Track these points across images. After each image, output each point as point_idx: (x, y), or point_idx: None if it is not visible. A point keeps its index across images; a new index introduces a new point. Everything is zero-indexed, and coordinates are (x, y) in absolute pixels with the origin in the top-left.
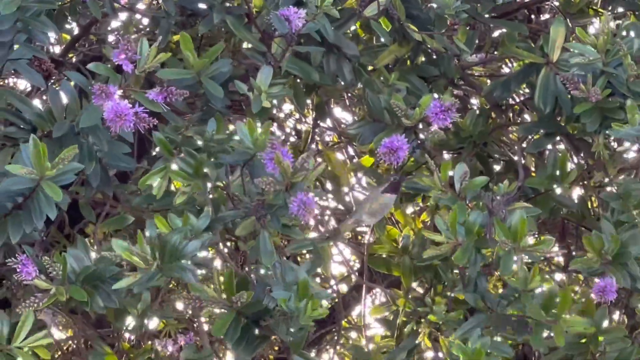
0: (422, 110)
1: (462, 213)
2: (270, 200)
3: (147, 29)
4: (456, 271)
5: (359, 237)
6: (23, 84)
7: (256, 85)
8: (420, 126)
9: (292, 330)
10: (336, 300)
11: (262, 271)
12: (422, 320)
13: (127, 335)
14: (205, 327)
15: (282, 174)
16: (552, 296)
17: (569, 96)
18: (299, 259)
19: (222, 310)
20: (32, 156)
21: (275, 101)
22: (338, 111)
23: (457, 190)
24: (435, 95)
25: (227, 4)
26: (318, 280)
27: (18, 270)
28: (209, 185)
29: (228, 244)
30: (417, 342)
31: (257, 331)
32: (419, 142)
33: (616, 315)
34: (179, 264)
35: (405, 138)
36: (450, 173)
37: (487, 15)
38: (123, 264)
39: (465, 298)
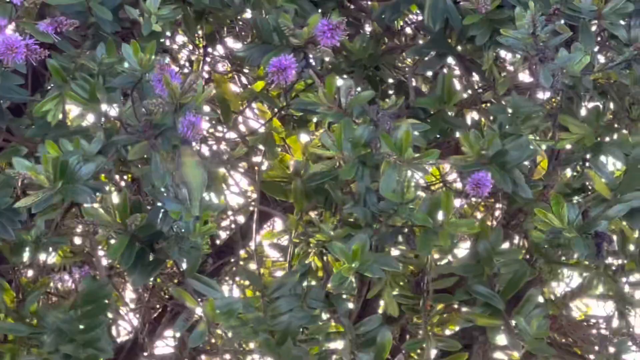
0: (310, 30)
1: (348, 128)
2: (158, 120)
3: None
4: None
5: (255, 168)
6: None
7: (146, 8)
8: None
9: (185, 251)
10: (234, 231)
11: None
12: (312, 240)
13: (24, 270)
14: (103, 262)
15: (170, 95)
16: (436, 202)
17: (459, 14)
18: None
19: (117, 234)
20: None
21: (168, 33)
22: (230, 42)
23: (343, 105)
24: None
25: None
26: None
27: None
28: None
29: (125, 177)
30: (307, 262)
31: (151, 256)
32: (308, 62)
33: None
34: (77, 185)
35: (294, 58)
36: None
37: None
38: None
39: (356, 213)
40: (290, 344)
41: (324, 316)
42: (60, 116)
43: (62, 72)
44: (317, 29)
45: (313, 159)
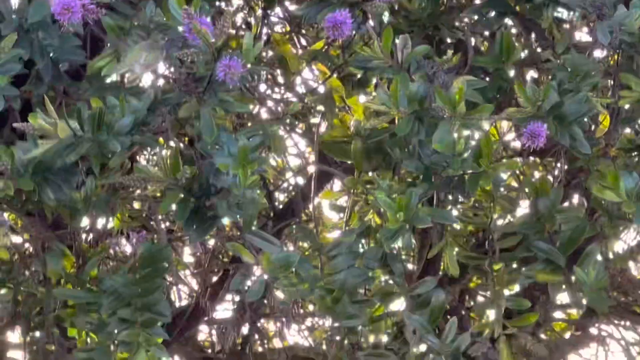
0: None
1: (404, 84)
2: (200, 72)
3: None
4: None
5: (312, 129)
6: None
7: None
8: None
9: (232, 206)
10: (293, 193)
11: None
12: (370, 197)
13: (84, 236)
14: (163, 225)
15: (204, 42)
16: (480, 148)
17: None
18: None
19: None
20: None
21: None
22: (288, 4)
23: (399, 60)
24: None
25: None
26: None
27: None
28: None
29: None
30: (365, 221)
31: (208, 212)
32: (365, 18)
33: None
34: (105, 136)
35: (349, 13)
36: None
37: None
38: None
39: (410, 167)
40: (346, 302)
41: (383, 277)
42: (116, 77)
43: (118, 30)
44: None
45: (369, 115)
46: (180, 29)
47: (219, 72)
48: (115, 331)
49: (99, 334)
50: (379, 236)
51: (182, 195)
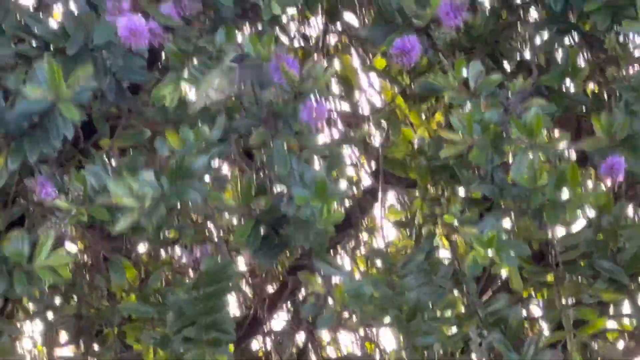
0: (433, 10)
1: (477, 111)
2: (279, 109)
3: None
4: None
5: (368, 140)
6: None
7: None
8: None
9: (311, 237)
10: (351, 204)
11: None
12: (439, 221)
13: (140, 247)
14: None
15: (289, 83)
16: (562, 176)
17: None
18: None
19: (242, 217)
20: (48, 77)
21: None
22: (347, 16)
23: (472, 88)
24: None
25: None
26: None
27: (36, 191)
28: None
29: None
30: (434, 243)
31: (276, 238)
32: (431, 42)
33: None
34: (184, 187)
35: (417, 38)
36: (464, 74)
37: None
38: None
39: (483, 191)
40: (420, 320)
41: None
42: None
43: (181, 55)
44: (440, 9)
45: (439, 141)
46: (267, 64)
47: (303, 114)
48: (181, 350)
49: (164, 349)
50: (466, 270)
51: (254, 223)
